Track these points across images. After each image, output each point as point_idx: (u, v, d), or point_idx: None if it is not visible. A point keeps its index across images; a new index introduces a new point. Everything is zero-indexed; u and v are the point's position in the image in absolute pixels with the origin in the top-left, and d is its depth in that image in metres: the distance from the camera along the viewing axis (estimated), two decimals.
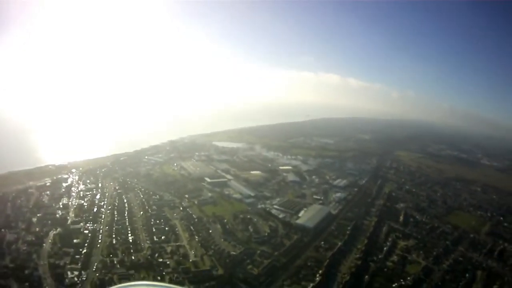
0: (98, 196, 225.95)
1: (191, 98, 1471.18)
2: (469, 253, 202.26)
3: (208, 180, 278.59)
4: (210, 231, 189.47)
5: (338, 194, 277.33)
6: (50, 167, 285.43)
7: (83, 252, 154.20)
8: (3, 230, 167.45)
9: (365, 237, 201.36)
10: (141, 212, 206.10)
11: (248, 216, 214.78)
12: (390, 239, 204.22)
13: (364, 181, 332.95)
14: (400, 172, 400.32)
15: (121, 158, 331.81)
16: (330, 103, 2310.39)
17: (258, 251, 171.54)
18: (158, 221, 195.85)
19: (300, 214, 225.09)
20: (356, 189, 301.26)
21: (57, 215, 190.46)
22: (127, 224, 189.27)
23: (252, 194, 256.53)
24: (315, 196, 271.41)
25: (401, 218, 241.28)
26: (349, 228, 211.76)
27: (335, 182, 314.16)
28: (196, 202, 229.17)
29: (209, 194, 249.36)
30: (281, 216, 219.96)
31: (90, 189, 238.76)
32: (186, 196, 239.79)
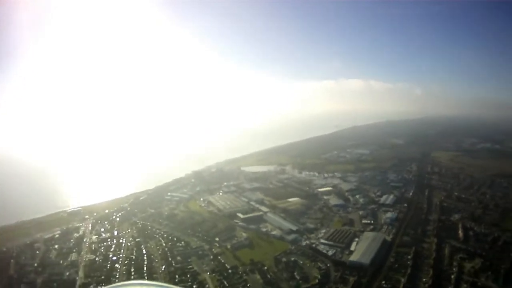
0: (112, 248, 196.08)
1: (210, 119, 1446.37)
2: None
3: (241, 216, 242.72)
4: (248, 284, 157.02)
5: (389, 215, 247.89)
6: (62, 214, 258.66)
7: None
8: None
9: (429, 267, 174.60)
10: (163, 267, 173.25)
11: (292, 259, 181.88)
12: (455, 263, 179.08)
13: (411, 193, 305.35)
14: (444, 176, 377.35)
15: (141, 198, 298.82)
16: (355, 109, 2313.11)
17: None
18: (184, 277, 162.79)
19: (352, 247, 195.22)
20: (405, 205, 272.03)
21: (65, 276, 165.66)
22: None
23: (294, 228, 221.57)
24: (364, 221, 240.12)
25: (460, 233, 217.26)
26: (409, 257, 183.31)
27: (382, 200, 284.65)
28: (229, 247, 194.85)
29: (244, 235, 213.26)
30: (330, 252, 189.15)
31: (104, 240, 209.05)
32: (217, 239, 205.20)
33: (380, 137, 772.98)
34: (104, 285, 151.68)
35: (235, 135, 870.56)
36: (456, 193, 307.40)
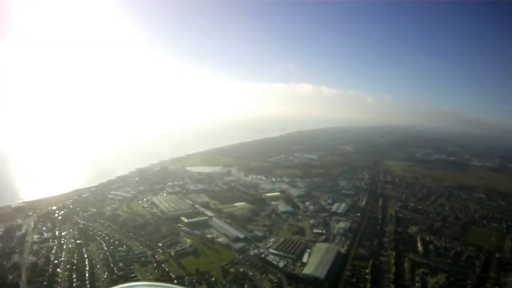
0: (54, 250, 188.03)
1: (156, 118, 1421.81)
2: (502, 278, 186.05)
3: (185, 220, 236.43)
4: None
5: (342, 225, 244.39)
6: (6, 209, 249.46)
7: None
8: None
9: (389, 282, 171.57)
10: (106, 274, 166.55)
11: (241, 269, 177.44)
12: (417, 278, 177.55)
13: (364, 202, 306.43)
14: (398, 186, 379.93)
15: (84, 195, 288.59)
16: (303, 113, 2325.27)
17: None
18: None
19: (304, 259, 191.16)
20: (358, 214, 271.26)
21: (8, 280, 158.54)
22: None
23: (241, 236, 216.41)
24: (315, 230, 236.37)
25: (420, 246, 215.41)
26: (367, 271, 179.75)
27: (334, 208, 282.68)
28: (173, 254, 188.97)
29: (188, 241, 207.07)
30: (281, 264, 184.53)
31: (46, 240, 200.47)
32: (160, 245, 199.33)
33: (329, 143, 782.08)
34: None
35: (181, 134, 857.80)
36: (412, 204, 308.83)
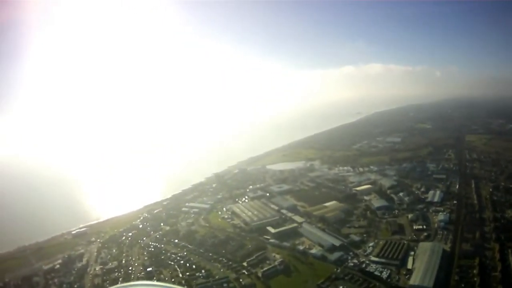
0: (119, 283, 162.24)
1: (225, 116, 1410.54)
2: None
3: (272, 230, 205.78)
4: None
5: (441, 216, 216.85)
6: (66, 236, 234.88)
7: None
8: None
9: (496, 282, 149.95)
10: None
11: (341, 287, 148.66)
12: None
13: (457, 186, 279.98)
14: (485, 164, 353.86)
15: (155, 211, 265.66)
16: (374, 94, 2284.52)
17: None
18: None
19: (408, 264, 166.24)
20: (455, 202, 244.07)
21: None
22: None
23: (337, 244, 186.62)
24: (415, 227, 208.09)
25: None
26: (475, 272, 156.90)
27: (429, 197, 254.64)
28: (260, 275, 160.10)
29: (277, 256, 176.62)
30: (384, 274, 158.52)
31: (110, 271, 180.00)
32: (245, 264, 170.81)
33: (406, 122, 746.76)
34: None
35: (256, 130, 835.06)
36: (503, 183, 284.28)
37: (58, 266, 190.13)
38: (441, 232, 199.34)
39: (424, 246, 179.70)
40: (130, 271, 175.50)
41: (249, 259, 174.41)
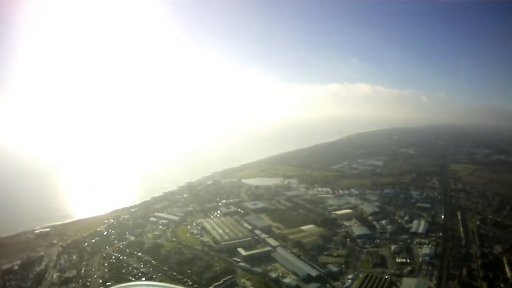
0: None
1: (207, 122, 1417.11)
2: None
3: (244, 253, 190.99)
4: None
5: (426, 250, 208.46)
6: (29, 235, 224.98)
7: None
8: None
9: None
10: None
11: None
12: None
13: (442, 217, 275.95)
14: (471, 195, 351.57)
15: (122, 218, 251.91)
16: (359, 114, 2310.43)
17: None
18: None
19: None
20: (441, 234, 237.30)
21: None
22: None
23: (313, 274, 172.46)
24: (398, 260, 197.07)
25: (508, 272, 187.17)
26: None
27: (414, 227, 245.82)
28: None
29: (247, 283, 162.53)
30: None
31: (68, 280, 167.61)
32: None
33: (390, 145, 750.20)
34: None
35: (235, 142, 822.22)
36: (490, 216, 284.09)
37: (16, 267, 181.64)
38: (425, 267, 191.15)
39: (408, 282, 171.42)
40: (88, 283, 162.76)
41: (216, 284, 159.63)
